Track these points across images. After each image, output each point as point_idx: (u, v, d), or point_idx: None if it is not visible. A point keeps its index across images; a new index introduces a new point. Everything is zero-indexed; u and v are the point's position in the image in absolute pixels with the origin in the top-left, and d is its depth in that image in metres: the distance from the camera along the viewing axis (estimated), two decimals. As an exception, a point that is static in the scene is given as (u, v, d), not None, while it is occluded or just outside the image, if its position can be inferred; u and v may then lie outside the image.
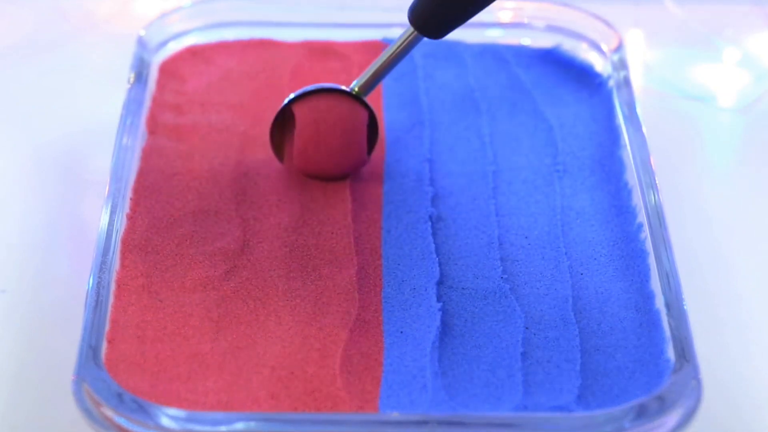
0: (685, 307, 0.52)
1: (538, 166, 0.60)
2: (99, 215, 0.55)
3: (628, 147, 0.59)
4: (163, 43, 0.66)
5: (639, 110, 0.61)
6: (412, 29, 0.57)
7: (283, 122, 0.59)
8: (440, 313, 0.53)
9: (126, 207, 0.57)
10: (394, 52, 0.57)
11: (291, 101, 0.59)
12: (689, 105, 0.70)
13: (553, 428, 0.48)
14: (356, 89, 0.59)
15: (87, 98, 0.70)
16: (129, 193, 0.57)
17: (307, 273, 0.55)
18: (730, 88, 0.70)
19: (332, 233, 0.57)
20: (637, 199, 0.57)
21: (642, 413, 0.48)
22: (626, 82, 0.63)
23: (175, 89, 0.64)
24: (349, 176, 0.60)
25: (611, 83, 0.64)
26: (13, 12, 0.76)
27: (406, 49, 0.57)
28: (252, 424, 0.47)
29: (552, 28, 0.67)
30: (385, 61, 0.58)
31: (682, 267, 0.54)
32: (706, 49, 0.72)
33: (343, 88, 0.59)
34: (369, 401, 0.49)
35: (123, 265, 0.54)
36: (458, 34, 0.67)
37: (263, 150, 0.61)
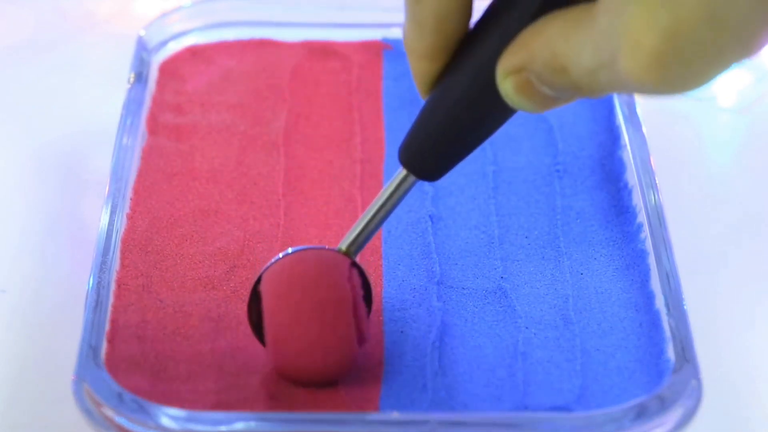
0: (685, 307, 0.52)
1: (538, 166, 0.60)
2: (99, 215, 0.55)
3: (628, 147, 0.59)
4: (163, 43, 0.66)
5: (639, 110, 0.61)
6: (405, 172, 0.48)
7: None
8: (440, 313, 0.53)
9: (126, 207, 0.57)
10: (387, 201, 0.49)
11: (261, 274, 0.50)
12: (689, 105, 0.70)
13: (553, 428, 0.48)
14: (344, 248, 0.50)
15: (87, 98, 0.70)
16: (129, 193, 0.57)
17: (307, 273, 0.55)
18: (730, 88, 0.70)
19: (332, 233, 0.57)
20: (637, 199, 0.57)
21: (642, 413, 0.48)
22: (626, 82, 0.63)
23: (175, 89, 0.64)
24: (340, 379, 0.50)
25: (611, 83, 0.64)
26: (13, 12, 0.76)
27: (401, 195, 0.49)
28: (252, 424, 0.47)
29: (552, 28, 0.67)
30: (378, 211, 0.49)
31: (682, 267, 0.54)
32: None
33: (325, 247, 0.51)
34: (369, 401, 0.49)
35: (123, 265, 0.54)
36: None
37: (263, 150, 0.61)
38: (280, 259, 0.50)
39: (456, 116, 0.45)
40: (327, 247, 0.51)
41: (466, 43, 0.45)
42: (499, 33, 0.43)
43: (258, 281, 0.50)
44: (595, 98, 0.42)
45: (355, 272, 0.50)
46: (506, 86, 0.42)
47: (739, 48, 0.37)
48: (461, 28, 0.44)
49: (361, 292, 0.50)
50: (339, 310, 0.49)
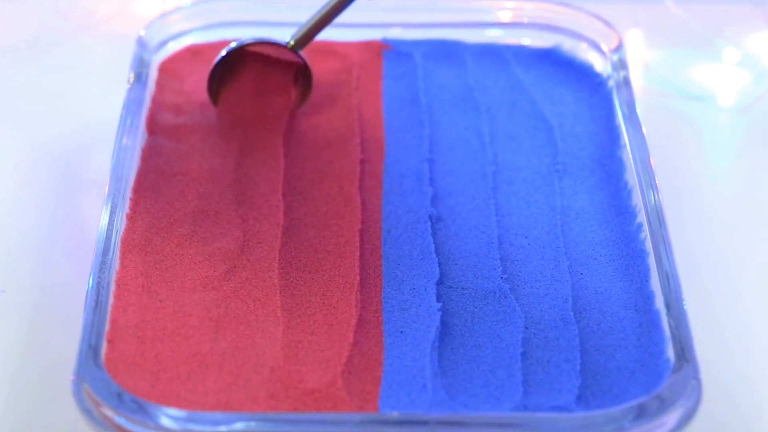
0: (685, 307, 0.52)
1: (538, 166, 0.60)
2: (99, 215, 0.55)
3: (628, 147, 0.59)
4: (163, 43, 0.66)
5: (639, 110, 0.61)
6: None
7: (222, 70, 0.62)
8: (440, 313, 0.53)
9: (126, 207, 0.57)
10: (337, 2, 0.60)
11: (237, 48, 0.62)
12: (689, 105, 0.70)
13: (553, 428, 0.48)
14: (292, 43, 0.62)
15: (87, 98, 0.70)
16: (129, 193, 0.57)
17: (307, 273, 0.55)
18: (730, 88, 0.70)
19: (332, 233, 0.57)
20: (637, 199, 0.57)
21: (642, 413, 0.48)
22: (626, 82, 0.63)
23: (174, 89, 0.64)
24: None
25: (611, 83, 0.64)
26: (13, 12, 0.76)
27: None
28: (252, 424, 0.47)
29: (552, 28, 0.67)
30: (328, 12, 0.59)
31: (682, 267, 0.54)
32: (706, 49, 0.72)
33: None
34: (369, 401, 0.49)
35: (123, 265, 0.54)
36: (458, 34, 0.67)
37: (263, 150, 0.61)
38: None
39: None
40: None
41: None
42: None
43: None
44: None
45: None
46: None
47: None
48: None
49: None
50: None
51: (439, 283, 0.54)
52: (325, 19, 0.60)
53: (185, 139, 0.61)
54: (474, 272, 0.55)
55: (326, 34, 0.67)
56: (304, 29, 0.62)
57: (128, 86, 0.62)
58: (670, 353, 0.50)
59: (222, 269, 0.55)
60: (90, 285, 0.52)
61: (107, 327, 0.51)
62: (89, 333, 0.50)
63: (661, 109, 0.70)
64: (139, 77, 0.63)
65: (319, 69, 0.66)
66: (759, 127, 0.70)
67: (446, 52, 0.67)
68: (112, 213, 0.55)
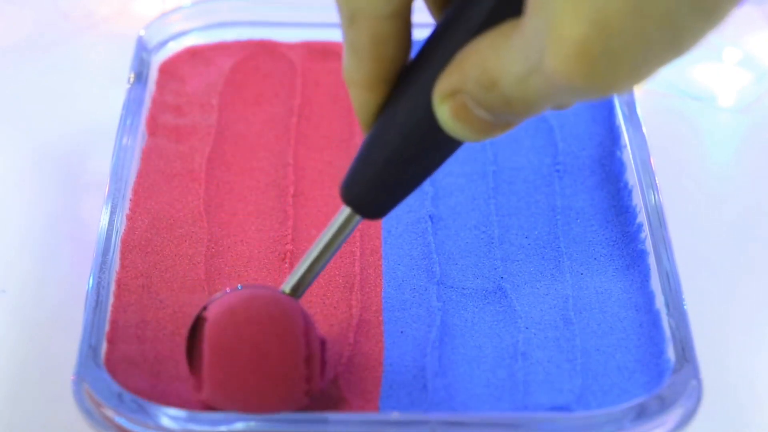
0: (685, 307, 0.52)
1: (538, 166, 0.60)
2: (99, 215, 0.55)
3: (628, 147, 0.59)
4: (163, 43, 0.66)
5: (639, 110, 0.61)
6: (349, 210, 0.46)
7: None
8: (440, 313, 0.53)
9: (126, 207, 0.57)
10: (331, 241, 0.47)
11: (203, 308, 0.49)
12: (689, 105, 0.70)
13: (553, 428, 0.48)
14: (287, 290, 0.48)
15: (87, 98, 0.70)
16: (129, 194, 0.57)
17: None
18: (730, 88, 0.70)
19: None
20: (637, 199, 0.57)
21: (642, 413, 0.48)
22: (626, 82, 0.63)
23: (174, 90, 0.64)
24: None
25: (611, 83, 0.64)
26: (13, 12, 0.76)
27: (346, 235, 0.47)
28: (252, 424, 0.47)
29: (552, 28, 0.67)
30: (322, 252, 0.48)
31: (682, 267, 0.54)
32: (706, 49, 0.72)
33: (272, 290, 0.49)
34: (369, 401, 0.49)
35: (123, 265, 0.54)
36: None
37: (263, 151, 0.61)
38: (229, 297, 0.48)
39: (398, 150, 0.43)
40: (272, 288, 0.49)
41: (406, 73, 0.42)
42: (437, 58, 0.40)
43: (204, 309, 0.49)
44: (530, 116, 0.40)
45: (303, 319, 0.48)
46: (443, 112, 0.40)
47: (668, 43, 0.35)
48: (400, 54, 0.42)
49: (316, 345, 0.48)
50: (284, 363, 0.47)
51: (439, 283, 0.54)
52: (321, 261, 0.48)
53: (185, 139, 0.61)
54: (474, 272, 0.55)
55: (326, 34, 0.67)
56: (299, 274, 0.49)
57: (128, 86, 0.62)
58: (671, 353, 0.50)
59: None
60: (90, 285, 0.52)
61: (107, 327, 0.51)
62: (89, 333, 0.50)
63: (661, 109, 0.70)
64: (139, 77, 0.63)
65: (319, 69, 0.66)
66: (759, 127, 0.70)
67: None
68: (112, 213, 0.55)
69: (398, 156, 0.43)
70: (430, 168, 0.44)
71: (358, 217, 0.46)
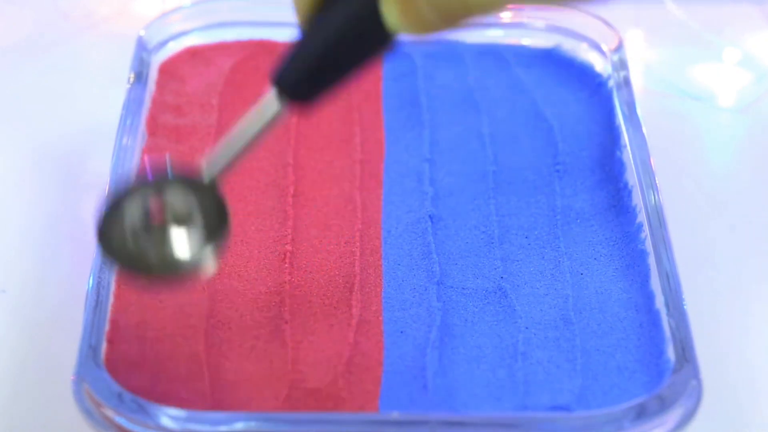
0: (685, 307, 0.52)
1: (538, 166, 0.60)
2: (99, 215, 0.55)
3: (628, 147, 0.59)
4: (163, 43, 0.66)
5: (639, 110, 0.61)
6: (274, 91, 0.45)
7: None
8: (440, 313, 0.53)
9: (126, 207, 0.57)
10: (253, 126, 0.46)
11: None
12: (689, 105, 0.70)
13: (553, 428, 0.48)
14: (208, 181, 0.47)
15: (87, 98, 0.70)
16: (129, 194, 0.57)
17: (307, 273, 0.55)
18: (730, 88, 0.70)
19: (332, 233, 0.57)
20: (637, 199, 0.57)
21: (642, 413, 0.48)
22: (626, 82, 0.63)
23: (174, 90, 0.64)
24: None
25: (611, 83, 0.64)
26: (13, 12, 0.76)
27: (269, 123, 0.46)
28: (252, 424, 0.47)
29: (552, 28, 0.67)
30: (244, 135, 0.46)
31: (682, 267, 0.54)
32: (706, 49, 0.72)
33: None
34: (369, 401, 0.49)
35: (123, 265, 0.54)
36: (458, 35, 0.67)
37: (262, 151, 0.61)
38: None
39: (335, 36, 0.44)
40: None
41: None
42: None
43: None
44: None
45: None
46: (390, 10, 0.42)
47: None
48: None
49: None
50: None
51: (439, 283, 0.54)
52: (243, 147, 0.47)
53: (185, 140, 0.61)
54: (474, 272, 0.55)
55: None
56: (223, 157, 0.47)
57: (128, 86, 0.62)
58: (671, 353, 0.50)
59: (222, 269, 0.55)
60: (90, 285, 0.52)
61: (107, 327, 0.51)
62: (89, 333, 0.50)
63: (661, 109, 0.70)
64: (139, 77, 0.63)
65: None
66: (759, 127, 0.70)
67: (446, 52, 0.67)
68: (113, 213, 0.55)
69: (332, 42, 0.44)
70: (362, 57, 0.44)
71: (282, 106, 0.45)
